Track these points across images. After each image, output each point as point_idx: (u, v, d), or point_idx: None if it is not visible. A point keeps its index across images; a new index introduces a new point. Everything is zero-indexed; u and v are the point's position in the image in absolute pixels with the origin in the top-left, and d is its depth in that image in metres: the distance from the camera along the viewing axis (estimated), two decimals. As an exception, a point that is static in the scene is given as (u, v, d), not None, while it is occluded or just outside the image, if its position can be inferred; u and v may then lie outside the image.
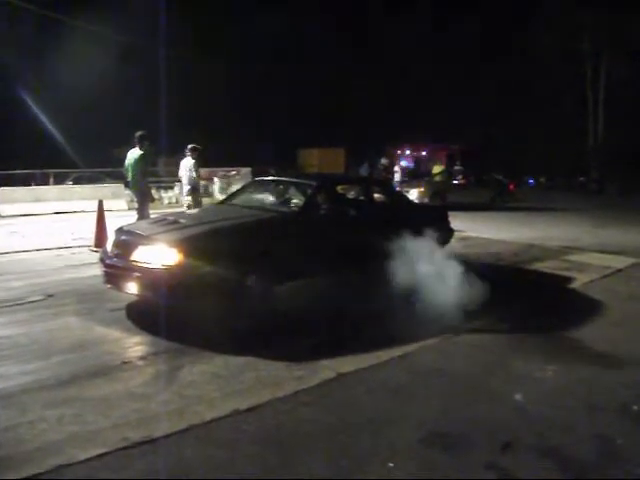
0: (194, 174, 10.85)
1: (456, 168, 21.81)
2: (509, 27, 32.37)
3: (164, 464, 3.36)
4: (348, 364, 4.84)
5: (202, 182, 14.01)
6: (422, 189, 18.50)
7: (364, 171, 19.00)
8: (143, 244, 5.88)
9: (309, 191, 7.30)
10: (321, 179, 8.27)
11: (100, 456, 3.37)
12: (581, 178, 32.59)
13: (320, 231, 6.89)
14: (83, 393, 4.25)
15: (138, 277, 5.65)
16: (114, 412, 3.94)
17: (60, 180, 23.10)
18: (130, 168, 9.88)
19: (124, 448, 3.47)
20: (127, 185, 10.58)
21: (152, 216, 8.37)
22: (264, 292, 5.90)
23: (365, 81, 34.93)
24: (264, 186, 8.39)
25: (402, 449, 3.55)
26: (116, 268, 5.99)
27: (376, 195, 8.48)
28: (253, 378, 4.53)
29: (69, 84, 28.39)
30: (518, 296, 7.29)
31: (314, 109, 33.25)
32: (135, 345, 5.23)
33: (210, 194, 21.81)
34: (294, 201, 7.55)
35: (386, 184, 11.00)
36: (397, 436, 3.71)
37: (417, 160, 27.39)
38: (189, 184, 10.97)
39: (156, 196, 11.84)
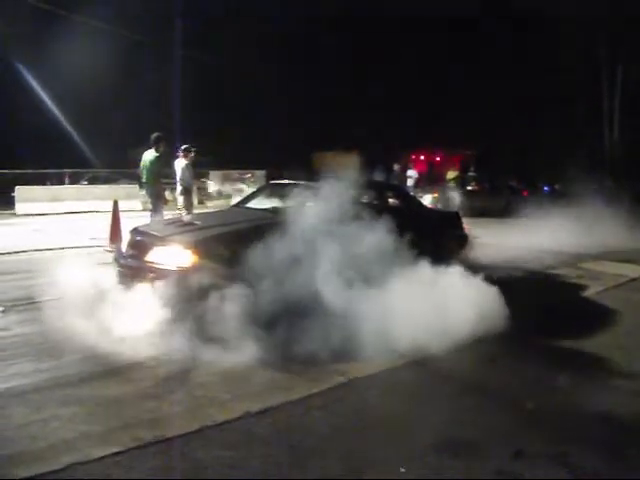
0: (186, 175, 11.15)
1: (470, 174, 21.78)
2: (524, 29, 32.18)
3: (176, 464, 3.38)
4: (362, 368, 4.82)
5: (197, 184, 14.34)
6: (436, 195, 18.49)
7: (379, 175, 18.97)
8: (158, 245, 5.88)
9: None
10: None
11: (113, 455, 3.40)
12: (595, 186, 32.32)
13: None
14: (95, 392, 4.28)
15: (152, 278, 5.58)
16: (126, 412, 3.97)
17: (75, 180, 23.26)
18: (145, 169, 9.99)
19: (137, 447, 3.49)
20: (142, 186, 10.70)
21: (167, 217, 8.37)
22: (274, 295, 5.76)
23: (381, 82, 34.88)
24: (279, 189, 8.26)
25: (414, 454, 3.55)
26: (130, 268, 6.00)
27: (390, 200, 8.43)
28: (265, 381, 4.54)
29: (86, 84, 28.56)
30: (531, 303, 7.24)
31: (329, 112, 33.26)
32: (147, 346, 5.24)
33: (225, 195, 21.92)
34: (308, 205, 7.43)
35: (399, 188, 10.97)
36: (409, 440, 3.72)
37: (431, 165, 27.34)
38: (181, 185, 11.21)
39: (170, 197, 11.92)
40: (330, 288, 5.53)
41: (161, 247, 5.83)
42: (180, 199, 11.33)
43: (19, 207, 18.54)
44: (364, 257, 6.01)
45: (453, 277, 6.16)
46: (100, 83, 28.84)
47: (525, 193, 20.99)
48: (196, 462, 3.37)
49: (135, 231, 6.54)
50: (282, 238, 5.70)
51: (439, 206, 17.63)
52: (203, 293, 5.34)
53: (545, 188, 33.70)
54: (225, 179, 24.96)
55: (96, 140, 27.77)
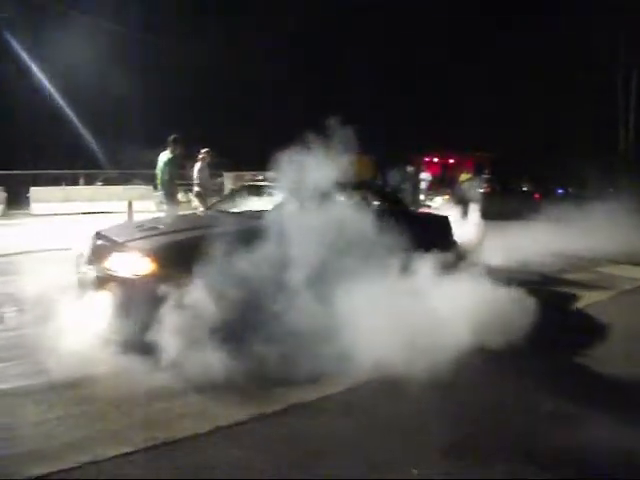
0: (201, 177, 11.30)
1: (482, 176, 21.68)
2: (540, 31, 32.02)
3: (189, 463, 3.41)
4: (375, 372, 4.68)
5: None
6: (447, 196, 18.41)
7: (393, 179, 18.94)
8: (116, 250, 5.50)
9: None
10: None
11: (127, 454, 3.44)
12: (611, 189, 32.08)
13: None
14: (108, 392, 4.32)
15: (109, 286, 5.17)
16: (139, 411, 4.02)
17: (90, 181, 23.43)
18: (160, 170, 10.07)
19: (152, 447, 3.54)
20: (156, 187, 10.80)
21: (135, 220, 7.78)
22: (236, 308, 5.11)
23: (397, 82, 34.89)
24: (255, 191, 7.73)
25: (427, 457, 3.56)
26: (88, 275, 5.58)
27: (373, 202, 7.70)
28: (277, 383, 4.51)
29: (101, 85, 28.77)
30: (545, 309, 7.04)
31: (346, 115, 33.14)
32: (158, 346, 5.21)
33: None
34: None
35: (384, 190, 10.38)
36: (423, 444, 3.72)
37: (444, 168, 27.24)
38: (197, 187, 11.32)
39: (184, 199, 12.04)
40: (299, 300, 5.09)
41: (119, 253, 5.43)
42: (195, 200, 11.46)
43: (34, 207, 18.71)
44: (340, 264, 5.46)
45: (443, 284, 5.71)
46: (117, 84, 29.02)
47: (537, 196, 20.86)
48: (209, 461, 3.41)
49: (97, 234, 6.12)
50: (250, 244, 5.20)
51: (453, 209, 17.55)
52: (159, 304, 4.86)
53: (559, 190, 33.47)
54: (238, 180, 24.99)
55: (112, 141, 27.95)
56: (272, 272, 5.14)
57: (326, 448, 3.64)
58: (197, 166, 11.53)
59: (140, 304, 4.94)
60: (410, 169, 18.71)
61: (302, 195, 6.12)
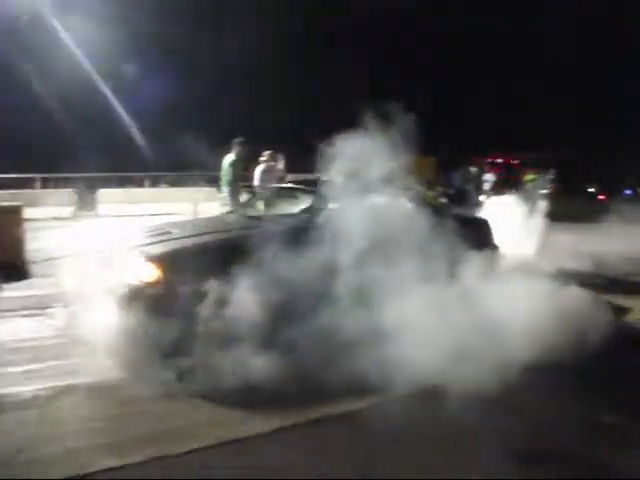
0: (264, 178, 11.42)
1: (547, 177, 21.24)
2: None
3: (251, 464, 3.50)
4: (443, 376, 4.47)
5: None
6: (511, 197, 18.09)
7: (457, 180, 18.77)
8: (126, 256, 5.35)
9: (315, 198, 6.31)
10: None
11: (195, 450, 3.58)
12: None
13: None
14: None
15: (118, 292, 5.05)
16: (204, 409, 4.14)
17: (155, 182, 23.95)
18: (224, 172, 10.30)
19: (220, 444, 3.66)
20: (220, 189, 11.01)
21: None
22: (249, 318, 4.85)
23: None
24: (284, 193, 7.50)
25: (491, 462, 3.57)
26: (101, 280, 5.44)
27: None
28: (340, 386, 4.43)
29: (170, 86, 29.35)
30: (609, 316, 6.48)
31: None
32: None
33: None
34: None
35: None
36: (486, 450, 3.72)
37: (508, 168, 26.80)
38: (258, 188, 11.52)
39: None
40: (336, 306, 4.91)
41: (128, 259, 5.27)
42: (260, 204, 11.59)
43: (101, 208, 19.25)
44: (382, 268, 5.13)
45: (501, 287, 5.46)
46: (184, 86, 29.59)
47: (603, 197, 20.29)
48: (272, 462, 3.48)
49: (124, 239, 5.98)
50: (267, 250, 5.00)
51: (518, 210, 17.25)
52: (165, 312, 4.73)
53: (627, 191, 32.41)
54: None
55: (177, 143, 28.51)
56: (293, 277, 4.94)
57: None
58: (259, 168, 11.60)
59: (153, 312, 4.75)
60: (473, 170, 18.48)
61: (345, 193, 5.82)
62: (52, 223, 14.69)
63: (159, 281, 4.90)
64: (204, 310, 4.76)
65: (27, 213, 9.62)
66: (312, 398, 4.35)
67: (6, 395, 4.35)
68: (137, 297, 4.85)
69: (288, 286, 4.93)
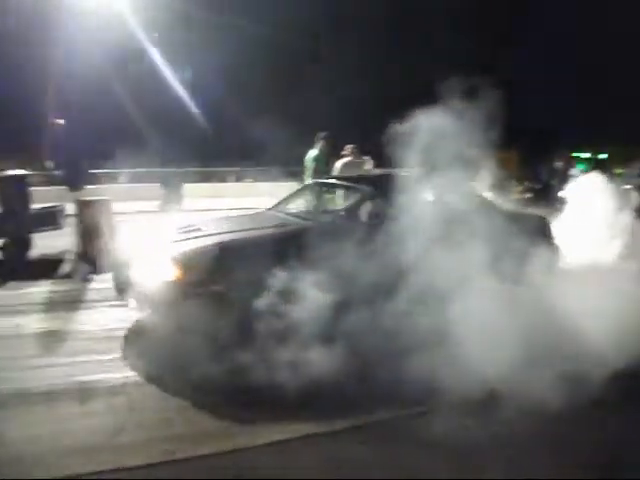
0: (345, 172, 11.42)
1: (637, 172, 20.52)
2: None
3: (320, 459, 3.64)
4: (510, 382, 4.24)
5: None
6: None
7: (543, 175, 18.36)
8: (152, 254, 5.29)
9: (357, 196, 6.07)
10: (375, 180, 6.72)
11: (232, 452, 3.68)
12: None
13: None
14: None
15: (140, 290, 5.06)
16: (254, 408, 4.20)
17: (240, 177, 24.41)
18: (307, 167, 10.45)
19: (288, 440, 3.80)
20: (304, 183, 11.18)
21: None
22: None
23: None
24: (325, 189, 7.37)
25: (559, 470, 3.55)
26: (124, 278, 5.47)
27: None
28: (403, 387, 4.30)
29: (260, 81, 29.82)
30: None
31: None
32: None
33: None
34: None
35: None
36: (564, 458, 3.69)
37: (595, 163, 26.03)
38: None
39: (329, 195, 12.25)
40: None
41: (153, 257, 5.20)
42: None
43: (186, 203, 19.81)
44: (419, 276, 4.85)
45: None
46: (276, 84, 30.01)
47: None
48: (340, 458, 3.60)
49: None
50: (302, 249, 4.91)
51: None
52: (185, 314, 4.65)
53: None
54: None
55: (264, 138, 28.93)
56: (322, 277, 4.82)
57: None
58: (340, 162, 11.50)
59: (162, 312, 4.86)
60: (558, 164, 18.06)
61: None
62: (139, 217, 15.20)
63: (181, 281, 4.84)
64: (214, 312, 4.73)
65: (115, 207, 9.83)
66: (376, 399, 4.31)
67: (98, 381, 4.62)
68: (164, 294, 4.83)
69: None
